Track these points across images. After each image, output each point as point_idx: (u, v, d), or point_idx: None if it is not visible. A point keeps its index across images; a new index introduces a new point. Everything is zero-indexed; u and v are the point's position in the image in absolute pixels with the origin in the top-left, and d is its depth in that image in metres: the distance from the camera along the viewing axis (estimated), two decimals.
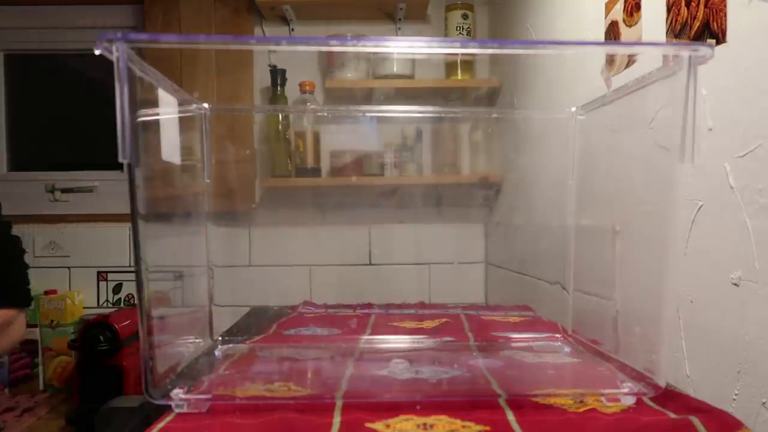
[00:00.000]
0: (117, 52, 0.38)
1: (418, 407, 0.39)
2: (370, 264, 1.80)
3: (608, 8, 1.01)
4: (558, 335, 0.61)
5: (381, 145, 1.64)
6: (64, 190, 1.87)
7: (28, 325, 1.07)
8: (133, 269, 0.55)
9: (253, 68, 1.85)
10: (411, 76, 1.79)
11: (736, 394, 0.68)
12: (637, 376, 0.44)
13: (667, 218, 0.44)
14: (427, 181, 1.73)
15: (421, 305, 0.79)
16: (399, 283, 1.76)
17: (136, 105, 0.41)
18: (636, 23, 0.91)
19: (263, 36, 1.86)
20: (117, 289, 1.81)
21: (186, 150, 0.55)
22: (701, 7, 0.75)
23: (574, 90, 1.15)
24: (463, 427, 0.36)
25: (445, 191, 1.75)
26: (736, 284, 0.68)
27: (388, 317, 0.71)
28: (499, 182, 1.65)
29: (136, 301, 0.41)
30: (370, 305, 0.78)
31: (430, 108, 0.74)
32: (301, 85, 1.75)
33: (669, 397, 0.41)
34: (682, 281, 0.78)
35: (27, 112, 1.95)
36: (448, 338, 0.60)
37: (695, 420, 0.36)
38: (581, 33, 1.13)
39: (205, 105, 0.58)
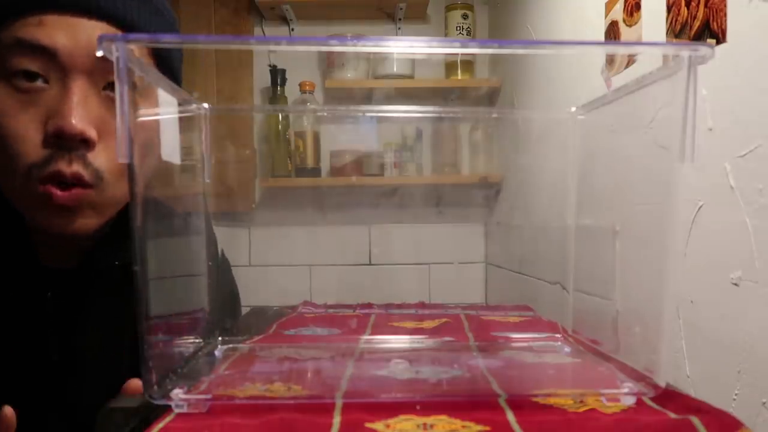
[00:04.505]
0: (117, 52, 0.38)
1: (418, 407, 0.39)
2: (370, 264, 1.80)
3: (608, 8, 1.01)
4: (558, 335, 0.61)
5: (381, 145, 1.64)
6: None
7: None
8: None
9: (253, 68, 1.85)
10: (411, 76, 1.79)
11: (736, 394, 0.68)
12: (637, 376, 0.44)
13: (667, 218, 0.44)
14: (427, 181, 1.73)
15: (421, 305, 0.79)
16: (399, 283, 1.76)
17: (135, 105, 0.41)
18: (636, 23, 0.91)
19: (263, 36, 1.86)
20: None
21: (186, 150, 0.55)
22: (701, 7, 0.75)
23: (574, 90, 1.15)
24: (463, 427, 0.36)
25: (445, 191, 1.75)
26: (736, 284, 0.68)
27: (388, 317, 0.71)
28: (499, 182, 1.65)
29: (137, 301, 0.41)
30: (370, 305, 0.78)
31: (430, 108, 0.74)
32: (301, 85, 1.75)
33: (669, 397, 0.41)
34: (682, 281, 0.78)
35: None
36: (448, 338, 0.60)
37: (695, 420, 0.36)
38: (581, 33, 1.13)
39: (205, 105, 0.58)
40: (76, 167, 0.51)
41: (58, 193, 0.51)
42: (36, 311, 0.59)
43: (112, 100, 0.52)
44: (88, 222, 0.55)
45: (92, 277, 0.61)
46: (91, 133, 0.51)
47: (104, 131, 0.53)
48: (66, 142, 0.51)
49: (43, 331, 0.59)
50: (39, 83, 0.51)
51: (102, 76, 0.52)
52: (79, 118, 0.50)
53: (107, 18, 0.52)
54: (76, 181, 0.52)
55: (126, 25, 0.54)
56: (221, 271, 0.76)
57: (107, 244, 0.59)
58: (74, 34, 0.51)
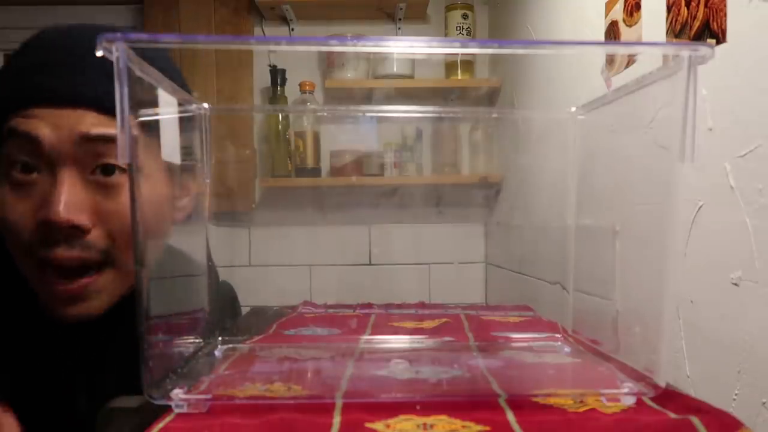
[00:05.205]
0: (117, 52, 0.38)
1: (418, 407, 0.39)
2: (370, 264, 1.80)
3: (608, 8, 1.01)
4: (558, 335, 0.61)
5: (381, 145, 1.64)
6: None
7: None
8: None
9: (253, 68, 1.85)
10: (411, 76, 1.79)
11: (736, 394, 0.68)
12: (637, 376, 0.44)
13: (667, 218, 0.44)
14: (427, 181, 1.73)
15: (421, 305, 0.79)
16: (399, 283, 1.75)
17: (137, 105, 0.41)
18: (636, 23, 0.91)
19: (263, 36, 1.86)
20: None
21: (186, 150, 0.55)
22: (701, 7, 0.75)
23: (574, 90, 1.15)
24: (463, 427, 0.36)
25: (445, 191, 1.75)
26: (736, 284, 0.68)
27: (388, 317, 0.71)
28: (499, 182, 1.65)
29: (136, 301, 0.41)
30: (370, 305, 0.78)
31: (430, 108, 0.74)
32: (301, 85, 1.75)
33: (669, 397, 0.41)
34: (682, 281, 0.78)
35: None
36: (448, 338, 0.60)
37: (695, 420, 0.36)
38: (581, 33, 1.13)
39: (205, 105, 0.58)
40: (74, 253, 0.52)
41: (58, 286, 0.53)
42: (64, 367, 0.60)
43: (101, 184, 0.54)
44: (95, 306, 0.55)
45: (116, 328, 0.61)
46: (81, 220, 0.52)
47: (100, 214, 0.53)
48: (56, 232, 0.52)
49: (69, 384, 0.60)
50: (33, 175, 0.53)
51: (88, 161, 0.53)
52: (66, 207, 0.51)
53: (89, 106, 0.53)
54: (80, 265, 0.53)
55: (111, 109, 0.55)
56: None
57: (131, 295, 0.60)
58: (57, 124, 0.52)
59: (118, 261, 0.54)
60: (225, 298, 0.76)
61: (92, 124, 0.53)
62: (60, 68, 0.54)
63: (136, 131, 0.42)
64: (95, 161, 0.53)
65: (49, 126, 0.52)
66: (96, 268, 0.54)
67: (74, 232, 0.52)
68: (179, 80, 0.62)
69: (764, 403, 0.64)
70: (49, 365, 0.60)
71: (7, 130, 0.53)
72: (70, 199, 0.52)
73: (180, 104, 0.50)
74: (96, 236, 0.53)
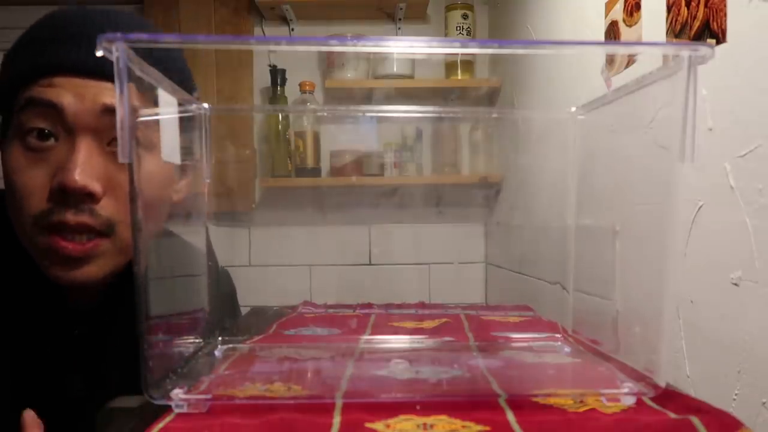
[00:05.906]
0: (117, 52, 0.38)
1: (418, 407, 0.39)
2: (370, 264, 1.80)
3: (608, 8, 1.01)
4: (558, 335, 0.61)
5: (381, 145, 1.64)
6: None
7: None
8: None
9: (253, 68, 1.85)
10: (411, 76, 1.78)
11: (736, 394, 0.68)
12: (637, 376, 0.44)
13: (667, 218, 0.44)
14: (427, 181, 1.73)
15: (421, 305, 0.79)
16: (399, 283, 1.75)
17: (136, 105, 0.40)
18: (636, 23, 0.91)
19: (263, 36, 1.86)
20: None
21: (186, 150, 0.55)
22: (701, 7, 0.75)
23: (574, 90, 1.15)
24: (463, 427, 0.36)
25: (445, 191, 1.75)
26: (736, 284, 0.68)
27: (388, 317, 0.71)
28: (499, 182, 1.65)
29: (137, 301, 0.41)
30: (370, 305, 0.78)
31: (430, 108, 0.74)
32: (301, 85, 1.75)
33: (669, 397, 0.41)
34: (682, 281, 0.78)
35: None
36: (448, 338, 0.60)
37: (695, 420, 0.36)
38: (581, 33, 1.13)
39: (205, 105, 0.58)
40: (83, 218, 0.53)
41: (62, 243, 0.53)
42: (62, 350, 0.61)
43: (116, 155, 0.54)
44: (94, 271, 0.56)
45: (115, 313, 0.62)
46: (94, 187, 0.53)
47: (111, 184, 0.55)
48: (69, 197, 0.53)
49: (69, 367, 0.61)
50: (50, 142, 0.54)
51: (107, 132, 0.54)
52: (82, 173, 0.52)
53: (111, 78, 0.54)
54: (84, 231, 0.54)
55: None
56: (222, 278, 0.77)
57: (129, 280, 0.60)
58: (80, 94, 0.53)
59: (119, 231, 0.55)
60: (224, 293, 0.77)
61: (114, 96, 0.54)
62: (80, 41, 0.54)
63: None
64: (113, 133, 0.54)
65: (72, 95, 0.53)
66: (98, 235, 0.55)
67: (86, 199, 0.53)
68: (190, 81, 0.63)
69: (764, 403, 0.64)
70: (49, 350, 0.61)
71: (26, 99, 0.54)
72: (86, 166, 0.52)
73: (180, 104, 0.50)
74: (104, 205, 0.54)
